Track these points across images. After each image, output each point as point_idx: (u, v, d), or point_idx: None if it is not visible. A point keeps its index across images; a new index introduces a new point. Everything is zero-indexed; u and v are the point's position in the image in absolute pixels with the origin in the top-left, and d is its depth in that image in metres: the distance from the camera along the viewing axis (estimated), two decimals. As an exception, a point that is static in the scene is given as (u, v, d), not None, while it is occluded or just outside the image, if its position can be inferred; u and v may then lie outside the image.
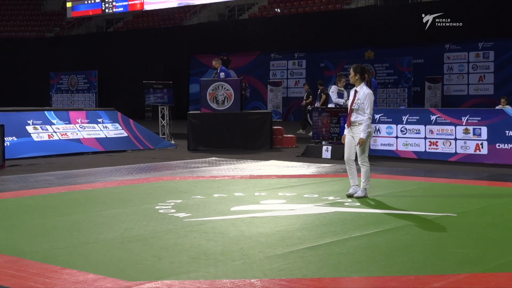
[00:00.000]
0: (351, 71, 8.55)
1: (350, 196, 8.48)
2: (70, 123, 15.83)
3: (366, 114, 8.34)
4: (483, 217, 7.35)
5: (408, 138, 13.28)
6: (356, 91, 8.48)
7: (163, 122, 19.71)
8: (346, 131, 8.62)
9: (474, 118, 12.62)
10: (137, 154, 15.40)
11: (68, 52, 37.09)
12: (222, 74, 16.57)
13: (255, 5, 33.56)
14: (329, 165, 12.50)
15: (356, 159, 8.54)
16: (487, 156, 12.40)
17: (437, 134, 12.94)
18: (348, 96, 9.28)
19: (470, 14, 24.72)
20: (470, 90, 25.64)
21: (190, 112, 18.66)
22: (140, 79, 25.30)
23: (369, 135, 8.47)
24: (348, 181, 8.72)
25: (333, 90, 14.96)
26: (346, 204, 8.05)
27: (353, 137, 8.48)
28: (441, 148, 12.90)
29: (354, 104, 8.38)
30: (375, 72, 27.39)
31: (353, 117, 8.41)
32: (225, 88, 16.02)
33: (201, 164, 12.95)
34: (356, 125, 8.41)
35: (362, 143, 8.38)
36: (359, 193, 8.43)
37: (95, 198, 8.73)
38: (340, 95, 14.78)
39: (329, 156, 13.71)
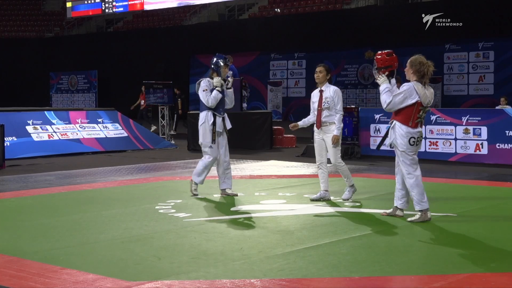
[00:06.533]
0: (323, 69, 8.25)
1: (315, 200, 8.22)
2: (70, 123, 15.83)
3: (339, 112, 8.11)
4: (483, 217, 7.35)
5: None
6: (321, 91, 8.24)
7: (163, 122, 19.72)
8: (315, 134, 8.31)
9: (474, 118, 12.61)
10: (137, 154, 15.40)
11: (68, 52, 37.09)
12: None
13: (255, 5, 33.57)
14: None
15: (328, 161, 8.33)
16: (487, 156, 12.40)
17: (437, 134, 12.94)
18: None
19: (470, 14, 24.71)
20: (470, 90, 25.64)
21: (190, 112, 18.67)
22: (140, 79, 25.30)
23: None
24: (343, 182, 8.48)
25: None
26: (346, 204, 8.05)
27: (323, 139, 8.24)
28: (441, 148, 12.89)
29: (323, 104, 8.13)
30: (375, 72, 27.32)
31: (323, 118, 8.16)
32: (225, 88, 16.00)
33: (201, 164, 12.93)
34: (326, 125, 8.16)
35: (337, 140, 8.08)
36: (347, 194, 8.26)
37: (95, 198, 8.72)
38: None
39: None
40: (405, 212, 7.13)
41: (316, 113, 8.25)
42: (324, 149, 8.30)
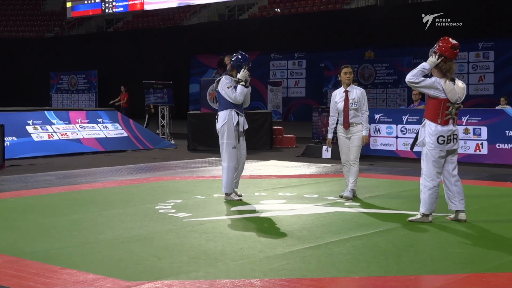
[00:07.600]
0: (352, 71, 8.44)
1: (348, 198, 8.31)
2: (70, 123, 15.83)
3: (366, 112, 8.35)
4: (483, 217, 7.35)
5: (408, 138, 13.27)
6: (347, 91, 8.36)
7: (163, 122, 19.73)
8: (341, 133, 8.42)
9: (474, 118, 12.62)
10: (137, 154, 15.40)
11: (68, 52, 37.08)
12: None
13: (255, 5, 33.57)
14: (329, 165, 12.49)
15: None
16: (487, 156, 12.40)
17: (437, 134, 12.92)
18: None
19: (470, 14, 24.71)
20: (470, 90, 25.62)
21: (190, 112, 18.67)
22: (140, 79, 25.29)
23: None
24: (344, 182, 8.57)
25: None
26: (346, 204, 8.05)
27: (348, 138, 8.36)
28: (441, 148, 12.89)
29: (350, 105, 8.28)
30: (375, 72, 27.39)
31: (351, 118, 8.31)
32: (225, 88, 15.99)
33: (201, 164, 12.95)
34: (353, 125, 8.33)
35: (367, 140, 8.40)
36: (348, 194, 8.31)
37: (95, 198, 8.72)
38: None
39: (329, 156, 13.71)
40: (408, 212, 7.12)
41: (342, 114, 8.36)
42: (348, 148, 8.41)
